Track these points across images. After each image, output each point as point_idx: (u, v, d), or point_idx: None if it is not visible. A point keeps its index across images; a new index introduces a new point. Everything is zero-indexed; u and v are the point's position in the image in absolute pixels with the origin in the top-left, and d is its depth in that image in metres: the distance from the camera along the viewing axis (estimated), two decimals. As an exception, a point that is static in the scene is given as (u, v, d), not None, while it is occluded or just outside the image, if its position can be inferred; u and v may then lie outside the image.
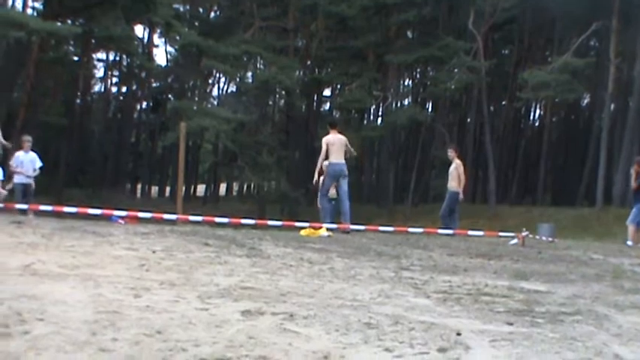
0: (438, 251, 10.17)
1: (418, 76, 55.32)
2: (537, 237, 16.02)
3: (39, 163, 17.04)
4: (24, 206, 13.94)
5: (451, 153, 17.06)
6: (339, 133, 14.67)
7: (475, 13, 42.06)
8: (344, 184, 14.51)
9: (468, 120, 52.92)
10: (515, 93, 46.46)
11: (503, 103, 53.97)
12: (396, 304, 5.24)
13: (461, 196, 16.60)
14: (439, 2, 45.12)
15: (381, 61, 47.71)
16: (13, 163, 16.82)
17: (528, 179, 51.40)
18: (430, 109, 53.08)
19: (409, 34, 52.17)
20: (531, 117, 57.98)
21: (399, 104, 51.62)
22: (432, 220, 29.51)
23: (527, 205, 43.24)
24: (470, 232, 15.18)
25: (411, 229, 15.39)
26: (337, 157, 14.29)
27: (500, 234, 15.09)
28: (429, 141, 48.97)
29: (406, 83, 57.60)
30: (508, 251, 11.11)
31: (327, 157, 14.44)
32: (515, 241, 13.37)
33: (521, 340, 4.23)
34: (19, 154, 16.95)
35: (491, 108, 50.85)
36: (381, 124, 50.76)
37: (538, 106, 54.57)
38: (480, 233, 15.42)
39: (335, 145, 14.25)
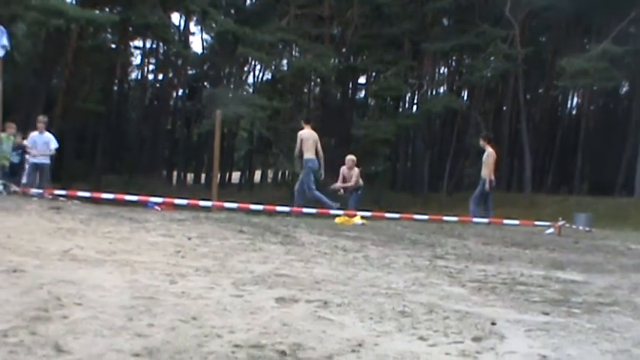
0: (473, 240, 10.13)
1: (454, 63, 54.92)
2: (574, 226, 15.94)
3: (54, 144, 16.91)
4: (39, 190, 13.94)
5: (482, 141, 16.95)
6: (313, 129, 15.12)
7: (512, 1, 41.66)
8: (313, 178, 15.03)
9: (504, 108, 52.51)
10: (552, 81, 46.02)
11: (540, 91, 53.49)
12: (431, 293, 5.23)
13: (487, 185, 16.41)
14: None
15: (416, 48, 47.51)
16: (27, 143, 16.88)
17: (565, 168, 50.89)
18: (466, 97, 52.72)
19: (445, 21, 51.81)
20: (568, 105, 57.37)
21: (434, 92, 51.38)
22: (466, 208, 29.37)
23: (563, 195, 42.84)
24: (505, 221, 15.11)
25: (445, 218, 15.36)
26: (312, 154, 14.79)
27: (536, 223, 15.01)
28: (465, 129, 48.71)
29: (442, 71, 57.23)
30: (544, 240, 11.05)
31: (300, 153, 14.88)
32: (551, 230, 13.30)
33: (558, 330, 4.20)
34: (34, 135, 16.90)
35: (528, 96, 50.44)
36: (416, 112, 50.58)
37: (576, 95, 53.98)
38: (516, 222, 15.33)
39: (309, 140, 14.75)
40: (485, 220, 14.82)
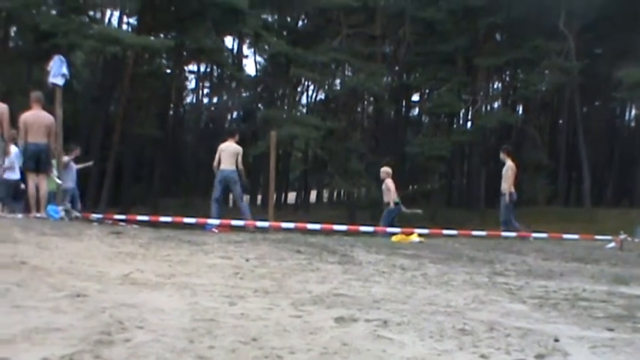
0: (532, 255, 10.01)
1: (508, 78, 54.57)
2: (636, 240, 15.62)
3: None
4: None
5: (502, 154, 16.88)
6: (237, 143, 15.42)
7: (566, 13, 41.28)
8: (235, 189, 15.43)
9: (560, 121, 51.98)
10: (609, 93, 45.43)
11: (597, 103, 52.82)
12: (491, 310, 5.18)
13: (506, 198, 16.32)
14: (528, 3, 44.43)
15: (469, 64, 47.35)
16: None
17: (625, 181, 50.10)
18: (520, 112, 52.33)
19: (498, 36, 51.56)
20: (627, 117, 56.56)
21: (488, 107, 51.06)
22: (524, 224, 29.06)
23: (624, 208, 42.13)
24: (565, 236, 14.93)
25: (503, 234, 15.21)
26: (225, 164, 15.08)
27: (597, 237, 14.78)
28: (520, 144, 48.27)
29: (496, 86, 56.91)
30: (605, 255, 10.87)
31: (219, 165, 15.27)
32: (612, 244, 13.07)
33: (623, 346, 4.12)
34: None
35: (584, 109, 49.83)
36: (470, 127, 50.31)
37: (634, 106, 53.18)
38: (575, 237, 15.14)
39: (225, 152, 15.11)
40: (513, 234, 14.77)
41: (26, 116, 12.35)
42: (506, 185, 16.18)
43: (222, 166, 15.15)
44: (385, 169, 18.31)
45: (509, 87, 54.18)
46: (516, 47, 43.53)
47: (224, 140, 15.65)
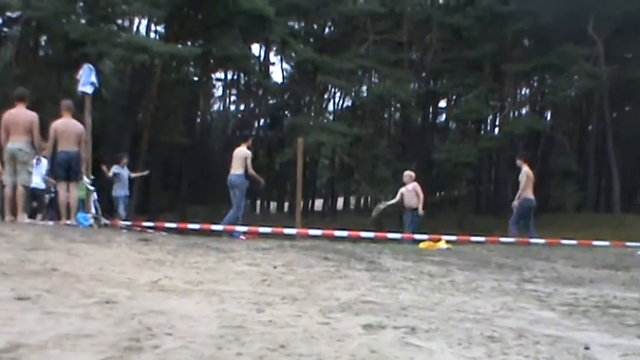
0: (561, 262, 9.95)
1: (536, 84, 54.29)
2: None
3: None
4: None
5: (519, 160, 16.84)
6: (247, 148, 15.78)
7: (595, 18, 41.00)
8: (234, 194, 15.56)
9: (589, 127, 51.61)
10: (639, 98, 45.05)
11: (627, 108, 52.39)
12: (520, 317, 5.15)
13: (514, 202, 16.31)
14: (556, 9, 44.16)
15: (497, 70, 47.13)
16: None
17: (655, 186, 49.70)
18: (549, 118, 52.04)
19: (526, 42, 51.31)
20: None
21: (516, 113, 50.83)
22: (553, 230, 28.85)
23: (654, 214, 41.72)
24: (594, 243, 14.83)
25: (532, 240, 15.13)
26: (232, 169, 15.50)
27: (628, 244, 14.66)
28: (549, 150, 48.01)
29: (523, 92, 56.64)
30: (636, 262, 10.78)
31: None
32: (643, 251, 12.96)
33: (654, 354, 4.09)
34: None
35: (614, 114, 49.42)
36: (498, 134, 50.08)
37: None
38: (606, 243, 15.03)
39: (234, 157, 15.53)
40: (512, 240, 14.74)
41: (56, 124, 12.47)
42: (520, 191, 16.14)
43: (231, 172, 15.44)
44: (409, 173, 18.26)
45: (537, 93, 53.91)
46: (544, 53, 43.25)
47: (237, 145, 15.92)
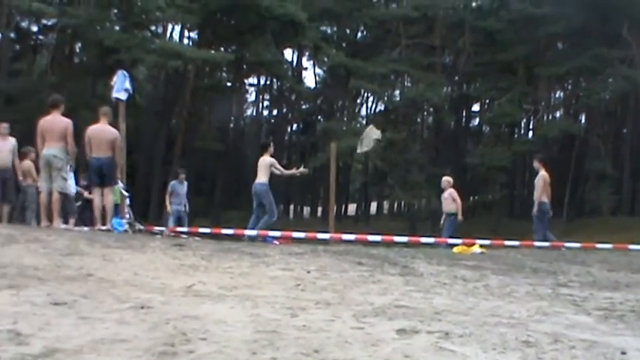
0: (597, 267, 9.85)
1: (570, 87, 53.85)
2: None
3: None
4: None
5: (536, 163, 16.72)
6: (271, 156, 15.77)
7: (630, 20, 40.59)
8: (264, 203, 15.52)
9: (624, 130, 51.09)
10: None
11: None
12: (555, 322, 5.11)
13: (534, 209, 16.17)
14: (590, 12, 43.78)
15: (530, 73, 46.82)
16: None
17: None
18: (583, 121, 51.60)
19: (559, 45, 50.93)
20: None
21: (550, 117, 50.45)
22: (588, 234, 28.60)
23: (691, 217, 41.22)
24: (630, 247, 14.67)
25: (567, 244, 15.01)
26: (257, 178, 15.55)
27: (664, 248, 14.49)
28: (584, 153, 47.58)
29: (557, 95, 56.21)
30: (673, 266, 10.65)
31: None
32: (680, 255, 12.81)
33: (692, 359, 4.04)
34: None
35: (650, 116, 48.93)
36: (532, 137, 49.75)
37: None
38: (642, 247, 14.84)
39: (259, 167, 15.61)
40: (547, 244, 14.63)
41: (89, 130, 12.56)
42: (537, 195, 16.02)
43: (255, 180, 15.56)
44: (446, 179, 18.28)
45: (571, 96, 53.44)
46: (578, 56, 42.85)
47: (260, 155, 15.98)
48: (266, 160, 15.48)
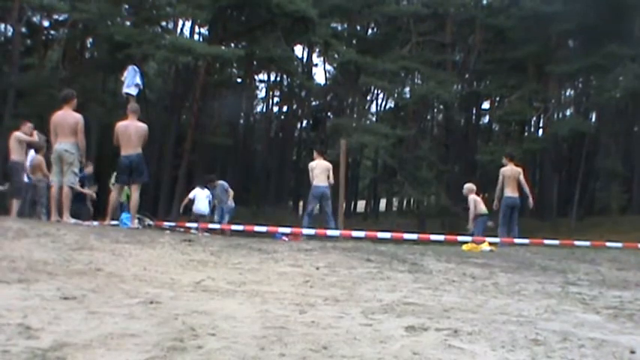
0: (606, 265, 9.83)
1: (580, 85, 53.64)
2: None
3: None
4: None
5: (504, 159, 16.85)
6: (324, 159, 16.39)
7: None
8: (326, 206, 16.18)
9: (635, 128, 50.90)
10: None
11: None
12: (564, 320, 5.10)
13: (494, 204, 16.25)
14: (601, 9, 43.55)
15: (541, 71, 46.65)
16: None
17: None
18: (594, 119, 51.42)
19: (570, 42, 50.72)
20: None
21: (560, 115, 50.29)
22: (598, 233, 28.53)
23: None
24: (640, 246, 14.63)
25: (577, 243, 14.98)
26: (320, 181, 15.88)
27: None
28: (594, 151, 47.42)
29: (568, 93, 56.01)
30: (683, 265, 10.61)
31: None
32: (690, 254, 12.77)
33: (702, 359, 4.02)
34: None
35: (662, 114, 48.77)
36: (542, 135, 49.61)
37: None
38: (652, 246, 14.80)
39: (316, 169, 15.93)
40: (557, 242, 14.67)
41: (117, 127, 12.58)
42: (497, 191, 16.24)
43: (317, 182, 15.84)
44: (469, 186, 18.28)
45: (581, 94, 53.23)
46: (589, 54, 42.67)
47: (313, 158, 16.52)
48: (326, 164, 16.11)
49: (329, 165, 16.14)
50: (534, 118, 51.39)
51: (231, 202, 21.02)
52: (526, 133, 52.76)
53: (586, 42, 46.09)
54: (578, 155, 48.95)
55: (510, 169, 16.29)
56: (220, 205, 20.79)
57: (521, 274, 8.09)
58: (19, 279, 5.34)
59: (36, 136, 14.84)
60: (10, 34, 43.62)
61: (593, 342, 4.29)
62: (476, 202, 17.58)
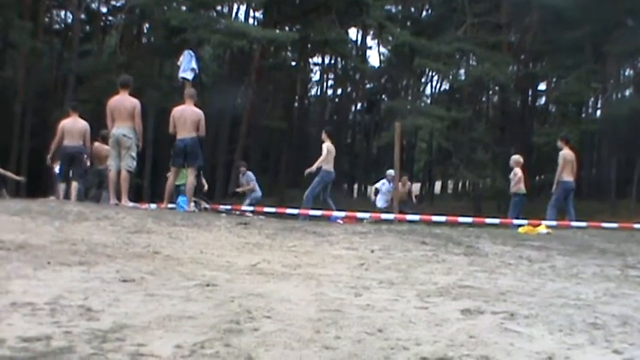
0: (668, 248, 9.66)
1: (640, 64, 52.61)
2: None
3: None
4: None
5: (559, 142, 16.43)
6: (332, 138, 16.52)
7: None
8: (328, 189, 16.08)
9: (698, 107, 49.78)
10: None
11: None
12: (623, 304, 5.03)
13: (553, 187, 15.99)
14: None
15: (599, 51, 45.83)
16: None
17: None
18: (654, 98, 50.41)
19: (629, 21, 49.71)
20: None
21: (619, 95, 49.36)
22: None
23: None
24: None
25: (636, 225, 14.74)
26: (332, 166, 16.02)
27: None
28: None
29: (627, 73, 54.95)
30: None
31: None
32: None
33: None
34: None
35: None
36: (600, 116, 48.78)
37: None
38: None
39: (331, 154, 15.89)
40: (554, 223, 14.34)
41: (173, 112, 12.71)
42: (557, 175, 15.90)
43: (330, 167, 15.97)
44: (515, 158, 18.08)
45: (641, 73, 52.24)
46: (649, 32, 41.79)
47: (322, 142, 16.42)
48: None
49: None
50: (592, 99, 50.53)
51: (257, 192, 21.03)
52: (583, 115, 51.91)
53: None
54: (637, 136, 48.05)
55: (570, 153, 16.05)
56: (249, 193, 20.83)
57: (579, 257, 7.98)
58: (80, 261, 5.44)
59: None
60: (70, 20, 44.24)
61: (654, 326, 4.23)
62: (519, 177, 17.35)
